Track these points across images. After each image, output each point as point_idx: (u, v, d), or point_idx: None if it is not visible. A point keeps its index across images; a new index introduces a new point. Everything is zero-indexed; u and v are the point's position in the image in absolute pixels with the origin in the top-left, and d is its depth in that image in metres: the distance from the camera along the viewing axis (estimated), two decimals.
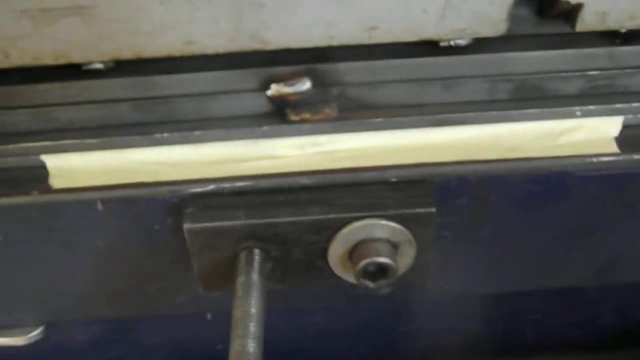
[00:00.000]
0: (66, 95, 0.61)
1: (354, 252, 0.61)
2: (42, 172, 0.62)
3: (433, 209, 0.61)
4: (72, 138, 0.60)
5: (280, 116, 0.61)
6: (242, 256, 0.61)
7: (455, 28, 0.59)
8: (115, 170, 0.62)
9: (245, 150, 0.62)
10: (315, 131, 0.61)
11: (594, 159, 0.63)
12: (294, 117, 0.61)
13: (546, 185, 0.65)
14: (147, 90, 0.61)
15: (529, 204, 0.66)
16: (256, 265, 0.60)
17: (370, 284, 0.61)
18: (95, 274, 0.69)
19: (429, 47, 0.63)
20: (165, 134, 0.60)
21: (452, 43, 0.62)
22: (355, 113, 0.62)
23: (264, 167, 0.62)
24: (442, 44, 0.62)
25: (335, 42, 0.59)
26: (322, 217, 0.60)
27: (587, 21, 0.60)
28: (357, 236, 0.61)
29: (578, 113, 0.63)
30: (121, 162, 0.62)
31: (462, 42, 0.62)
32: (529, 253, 0.72)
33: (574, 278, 0.76)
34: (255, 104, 0.61)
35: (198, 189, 0.61)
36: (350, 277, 0.63)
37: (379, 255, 0.59)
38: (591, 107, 0.64)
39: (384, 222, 0.60)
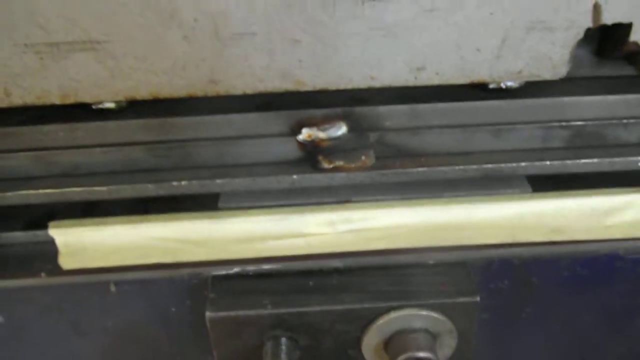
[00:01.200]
0: (73, 138, 0.54)
1: (391, 344, 0.57)
2: (51, 248, 0.57)
3: (477, 298, 0.56)
4: (78, 185, 0.53)
5: (311, 164, 0.55)
6: (269, 346, 0.56)
7: (510, 70, 0.53)
8: (130, 247, 0.57)
9: (272, 227, 0.58)
10: (349, 181, 0.55)
11: None
12: (326, 165, 0.54)
13: (593, 268, 0.60)
14: (163, 133, 0.54)
15: (574, 286, 0.61)
16: (283, 356, 0.56)
17: None
18: (105, 357, 0.63)
19: (477, 90, 0.57)
20: (184, 182, 0.53)
21: (502, 85, 0.56)
22: (395, 162, 0.55)
23: (292, 247, 0.58)
24: (491, 86, 0.56)
25: (377, 84, 0.52)
26: (356, 306, 0.56)
27: None
28: (394, 327, 0.56)
29: None
30: (137, 239, 0.57)
31: (513, 84, 0.56)
32: (573, 336, 0.67)
33: None
34: (285, 149, 0.55)
35: (221, 272, 0.57)
36: None
37: (419, 349, 0.55)
38: None
39: (423, 312, 0.56)
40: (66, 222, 0.57)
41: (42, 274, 0.56)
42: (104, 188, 0.53)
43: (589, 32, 0.52)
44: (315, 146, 0.54)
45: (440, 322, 0.56)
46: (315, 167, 0.54)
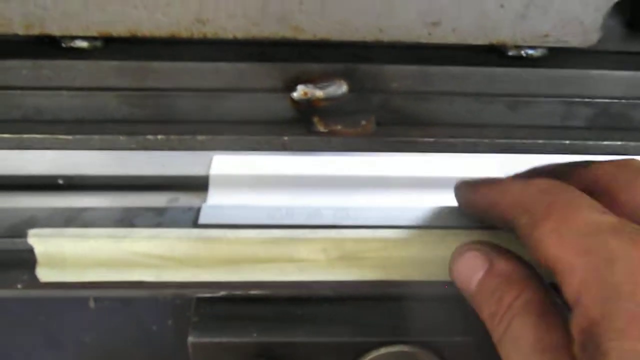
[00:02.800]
0: (37, 77, 0.47)
1: None
2: (28, 256, 0.52)
3: (471, 338, 0.52)
4: (40, 132, 0.47)
5: (305, 126, 0.49)
6: None
7: (536, 32, 0.47)
8: (113, 262, 0.53)
9: (261, 250, 0.54)
10: (347, 147, 0.49)
11: None
12: (322, 128, 0.48)
13: None
14: (140, 79, 0.48)
15: None
16: None
17: None
18: None
19: (494, 56, 0.51)
20: (160, 137, 0.47)
21: (523, 53, 0.50)
22: (399, 129, 0.49)
23: (282, 272, 0.54)
24: (510, 52, 0.50)
25: (385, 38, 0.46)
26: (345, 339, 0.53)
27: None
28: None
29: None
30: (120, 254, 0.53)
31: (534, 52, 0.50)
32: None
33: None
34: (277, 107, 0.48)
35: (206, 294, 0.53)
36: None
37: None
38: None
39: (416, 349, 0.53)
40: (47, 230, 0.53)
41: (19, 285, 0.51)
42: (69, 137, 0.47)
43: (621, 2, 0.47)
44: (311, 106, 0.48)
45: None
46: (310, 130, 0.48)
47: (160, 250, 0.54)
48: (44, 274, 0.52)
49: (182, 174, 0.64)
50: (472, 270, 0.47)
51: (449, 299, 0.53)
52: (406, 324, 0.53)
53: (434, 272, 0.54)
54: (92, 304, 0.55)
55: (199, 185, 0.62)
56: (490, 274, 0.45)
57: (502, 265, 0.45)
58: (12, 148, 0.47)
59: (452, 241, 0.53)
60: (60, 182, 0.63)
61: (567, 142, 0.50)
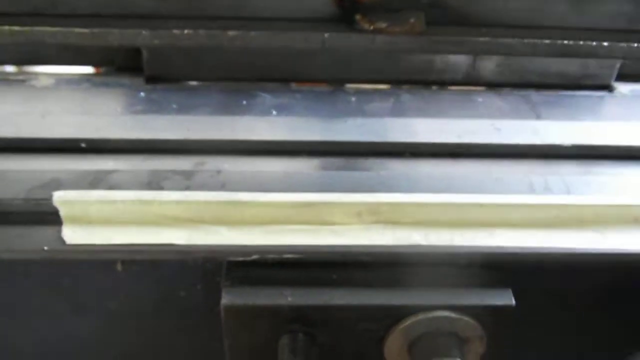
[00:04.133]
0: None
1: (416, 347, 0.52)
2: (54, 218, 0.52)
3: (512, 303, 0.51)
4: (54, 25, 0.43)
5: (347, 24, 0.44)
6: (285, 340, 0.51)
7: None
8: (140, 225, 0.52)
9: (294, 214, 0.53)
10: (392, 47, 0.44)
11: None
12: (365, 25, 0.44)
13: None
14: None
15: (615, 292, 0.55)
16: (300, 352, 0.50)
17: None
18: (106, 341, 0.58)
19: None
20: (187, 31, 0.43)
21: None
22: (451, 29, 0.45)
23: (316, 236, 0.52)
24: None
25: None
26: (382, 303, 0.51)
27: None
28: (421, 329, 0.51)
29: None
30: (148, 217, 0.52)
31: None
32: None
33: None
34: (316, 3, 0.45)
35: (238, 258, 0.51)
36: None
37: (447, 355, 0.50)
38: None
39: (454, 315, 0.51)
40: (72, 193, 0.52)
41: (45, 247, 0.50)
42: (85, 30, 0.43)
43: None
44: (355, 2, 0.44)
45: (470, 327, 0.51)
46: (352, 28, 0.44)
47: (190, 214, 0.52)
48: (70, 236, 0.50)
49: (208, 137, 0.60)
50: None
51: (489, 265, 0.51)
52: (443, 289, 0.51)
53: (472, 238, 0.52)
54: (119, 267, 0.52)
55: (225, 149, 0.59)
56: None
57: None
58: (20, 42, 0.42)
59: (489, 207, 0.52)
60: (83, 145, 0.59)
61: (635, 45, 0.46)
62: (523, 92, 0.73)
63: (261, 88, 0.72)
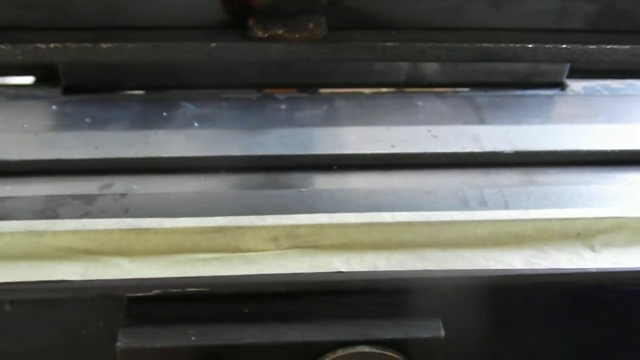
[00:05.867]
0: None
1: None
2: None
3: (441, 334, 0.46)
4: None
5: (240, 31, 0.39)
6: None
7: None
8: (32, 259, 0.47)
9: (201, 240, 0.48)
10: (290, 55, 0.39)
11: None
12: (259, 32, 0.39)
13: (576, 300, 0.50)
14: None
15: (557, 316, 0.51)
16: None
17: None
18: None
19: None
20: (54, 45, 0.38)
21: None
22: (355, 34, 0.40)
23: (226, 265, 0.47)
24: None
25: None
26: (298, 340, 0.45)
27: None
28: None
29: None
30: (40, 248, 0.47)
31: None
32: None
33: None
34: (203, 9, 0.40)
35: (138, 293, 0.46)
36: None
37: None
38: None
39: (377, 350, 0.46)
40: None
41: None
42: None
43: None
44: (246, 6, 0.39)
45: None
46: (244, 35, 0.39)
47: (87, 244, 0.47)
48: None
49: (116, 156, 0.55)
50: None
51: (417, 292, 0.47)
52: (366, 321, 0.46)
53: (399, 262, 0.48)
54: (7, 308, 0.46)
55: (134, 168, 0.55)
56: None
57: None
58: None
59: (417, 226, 0.48)
60: None
61: (564, 46, 0.41)
62: (469, 94, 0.68)
63: (186, 97, 0.68)
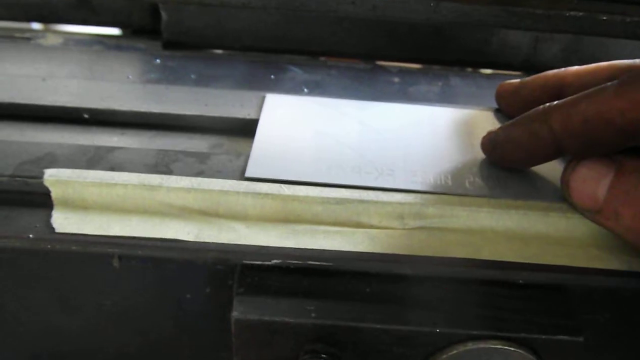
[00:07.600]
0: None
1: None
2: (43, 200, 0.44)
3: (581, 338, 0.41)
4: None
5: None
6: None
7: None
8: (144, 215, 0.44)
9: (322, 212, 0.44)
10: (462, 17, 0.36)
11: None
12: None
13: None
14: None
15: None
16: None
17: None
18: (98, 342, 0.50)
19: None
20: None
21: None
22: None
23: (348, 240, 0.44)
24: None
25: None
26: (424, 329, 0.41)
27: None
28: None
29: None
30: (153, 205, 0.45)
31: None
32: None
33: None
34: None
35: (255, 261, 0.43)
36: None
37: None
38: None
39: (510, 348, 0.42)
40: (67, 172, 0.45)
41: (30, 235, 0.43)
42: None
43: None
44: None
45: None
46: None
47: (201, 205, 0.44)
48: (60, 224, 0.43)
49: (229, 115, 0.53)
50: (597, 176, 0.40)
51: (554, 287, 0.43)
52: (499, 315, 0.42)
53: (535, 253, 0.44)
54: (116, 262, 0.44)
55: (248, 130, 0.52)
56: (622, 172, 0.39)
57: (636, 161, 0.38)
58: None
59: (555, 216, 0.44)
60: (86, 116, 0.52)
61: None
62: None
63: (291, 61, 0.65)
